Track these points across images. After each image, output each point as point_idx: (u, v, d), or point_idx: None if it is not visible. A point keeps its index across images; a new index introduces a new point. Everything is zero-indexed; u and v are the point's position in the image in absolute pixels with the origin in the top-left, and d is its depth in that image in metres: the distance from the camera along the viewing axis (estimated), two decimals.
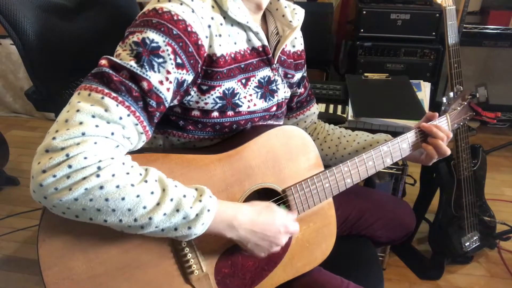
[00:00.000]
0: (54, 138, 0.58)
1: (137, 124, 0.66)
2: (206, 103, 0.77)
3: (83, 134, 0.59)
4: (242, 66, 0.80)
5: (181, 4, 0.69)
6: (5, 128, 2.75)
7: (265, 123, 0.89)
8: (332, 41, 2.20)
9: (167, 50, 0.67)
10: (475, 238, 1.58)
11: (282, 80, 0.91)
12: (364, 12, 2.01)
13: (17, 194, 2.17)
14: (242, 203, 0.76)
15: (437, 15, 1.97)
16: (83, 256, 0.67)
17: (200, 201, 0.66)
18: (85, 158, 0.58)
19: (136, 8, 1.21)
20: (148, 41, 0.66)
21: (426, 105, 1.47)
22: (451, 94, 1.02)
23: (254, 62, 0.83)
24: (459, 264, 1.72)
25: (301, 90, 1.04)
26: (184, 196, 0.65)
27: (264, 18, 0.89)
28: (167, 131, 0.82)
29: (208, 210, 0.67)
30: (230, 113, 0.80)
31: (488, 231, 1.63)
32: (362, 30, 2.05)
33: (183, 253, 0.75)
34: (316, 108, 1.12)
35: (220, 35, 0.74)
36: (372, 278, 1.02)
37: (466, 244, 1.57)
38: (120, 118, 0.63)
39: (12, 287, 1.63)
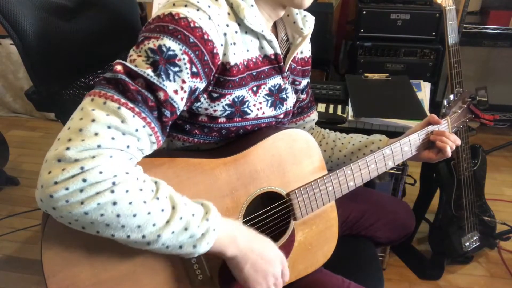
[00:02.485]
0: (68, 149, 0.56)
1: (151, 135, 0.65)
2: (215, 110, 0.76)
3: (99, 146, 0.57)
4: (254, 73, 0.80)
5: (198, 10, 0.68)
6: (5, 128, 2.74)
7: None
8: (332, 41, 2.20)
9: (184, 59, 0.65)
10: (475, 238, 1.59)
11: (291, 88, 0.91)
12: (364, 12, 2.01)
13: (17, 194, 2.17)
14: (242, 224, 0.76)
15: (437, 15, 1.97)
16: (88, 263, 0.67)
17: (207, 220, 0.66)
18: (101, 172, 0.56)
19: (136, 8, 1.20)
20: (164, 49, 0.64)
21: (426, 105, 1.47)
22: (452, 96, 1.02)
23: (266, 70, 0.82)
24: (459, 264, 1.72)
25: (304, 96, 1.04)
26: (193, 215, 0.65)
27: (273, 24, 0.87)
28: (171, 134, 0.81)
29: (214, 230, 0.66)
30: (237, 119, 0.79)
31: (488, 231, 1.63)
32: (362, 30, 2.05)
33: (189, 258, 0.74)
34: (316, 115, 1.11)
35: (234, 43, 0.73)
36: (372, 278, 1.02)
37: (466, 244, 1.57)
38: (136, 130, 0.61)
39: (12, 287, 1.63)
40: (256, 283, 0.73)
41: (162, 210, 0.62)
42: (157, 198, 0.62)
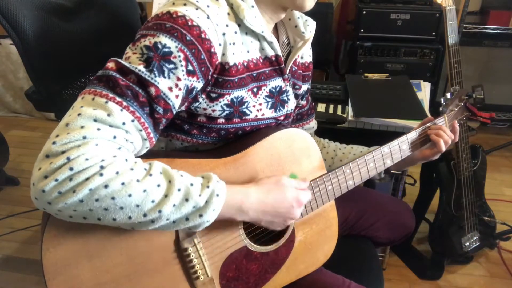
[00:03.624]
0: (54, 143, 0.57)
1: (141, 130, 0.64)
2: (213, 110, 0.76)
3: (84, 137, 0.58)
4: (254, 74, 0.79)
5: (197, 9, 0.68)
6: (5, 128, 2.75)
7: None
8: (332, 41, 2.20)
9: (179, 56, 0.65)
10: (475, 238, 1.59)
11: (292, 92, 0.91)
12: (364, 12, 2.01)
13: (17, 194, 2.17)
14: (250, 185, 0.74)
15: (437, 15, 1.97)
16: (88, 264, 0.67)
17: (208, 187, 0.65)
18: (87, 159, 0.57)
19: (136, 8, 1.21)
20: (160, 46, 0.64)
21: (426, 105, 1.47)
22: (448, 95, 1.03)
23: (267, 71, 0.82)
24: (459, 264, 1.72)
25: (304, 102, 1.03)
26: (192, 184, 0.64)
27: (275, 27, 0.88)
28: (170, 134, 0.81)
29: (217, 195, 0.66)
30: (236, 120, 0.79)
31: (488, 231, 1.63)
32: (362, 30, 2.05)
33: (189, 259, 0.75)
34: (315, 124, 1.11)
35: (234, 43, 0.73)
36: (372, 278, 1.02)
37: (466, 244, 1.57)
38: (123, 123, 0.62)
39: (12, 287, 1.63)
40: (275, 227, 0.78)
41: (158, 185, 0.62)
42: (150, 175, 0.62)
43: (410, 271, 1.71)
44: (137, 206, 0.60)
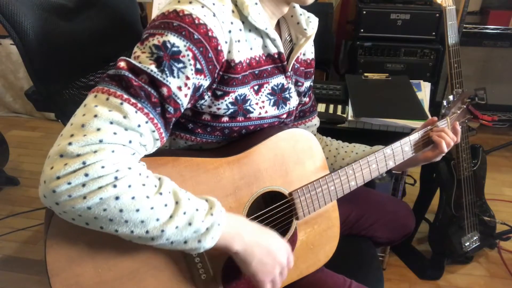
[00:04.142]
0: (70, 144, 0.57)
1: (154, 131, 0.65)
2: (218, 108, 0.76)
3: (101, 141, 0.58)
4: (256, 72, 0.80)
5: (203, 7, 0.68)
6: (5, 128, 2.74)
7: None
8: (332, 41, 2.20)
9: (188, 55, 0.65)
10: (475, 238, 1.59)
11: (294, 89, 0.91)
12: (364, 12, 2.01)
13: (17, 194, 2.16)
14: (248, 219, 0.75)
15: (437, 15, 1.97)
16: (91, 262, 0.67)
17: (212, 214, 0.66)
18: (103, 167, 0.57)
19: (136, 8, 1.21)
20: (169, 45, 0.64)
21: (426, 105, 1.47)
22: (451, 97, 1.03)
23: (269, 69, 0.82)
24: (459, 264, 1.72)
25: (306, 99, 1.03)
26: (197, 210, 0.65)
27: (277, 24, 0.88)
28: (174, 133, 0.81)
29: (218, 224, 0.66)
30: (240, 118, 0.79)
31: (488, 231, 1.63)
32: (362, 30, 2.05)
33: (192, 257, 0.75)
34: (317, 120, 1.11)
35: (239, 41, 0.73)
36: (372, 278, 1.02)
37: (466, 244, 1.57)
38: (139, 125, 0.62)
39: (12, 287, 1.64)
40: (264, 275, 0.73)
41: (165, 205, 0.62)
42: (160, 193, 0.62)
43: (410, 271, 1.71)
44: (142, 222, 0.60)
